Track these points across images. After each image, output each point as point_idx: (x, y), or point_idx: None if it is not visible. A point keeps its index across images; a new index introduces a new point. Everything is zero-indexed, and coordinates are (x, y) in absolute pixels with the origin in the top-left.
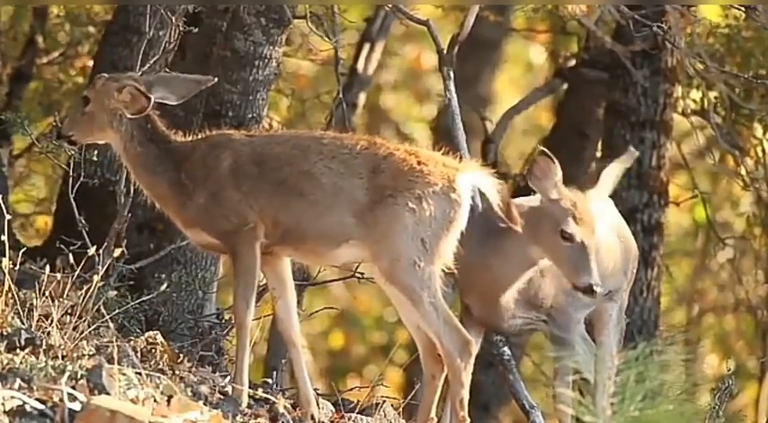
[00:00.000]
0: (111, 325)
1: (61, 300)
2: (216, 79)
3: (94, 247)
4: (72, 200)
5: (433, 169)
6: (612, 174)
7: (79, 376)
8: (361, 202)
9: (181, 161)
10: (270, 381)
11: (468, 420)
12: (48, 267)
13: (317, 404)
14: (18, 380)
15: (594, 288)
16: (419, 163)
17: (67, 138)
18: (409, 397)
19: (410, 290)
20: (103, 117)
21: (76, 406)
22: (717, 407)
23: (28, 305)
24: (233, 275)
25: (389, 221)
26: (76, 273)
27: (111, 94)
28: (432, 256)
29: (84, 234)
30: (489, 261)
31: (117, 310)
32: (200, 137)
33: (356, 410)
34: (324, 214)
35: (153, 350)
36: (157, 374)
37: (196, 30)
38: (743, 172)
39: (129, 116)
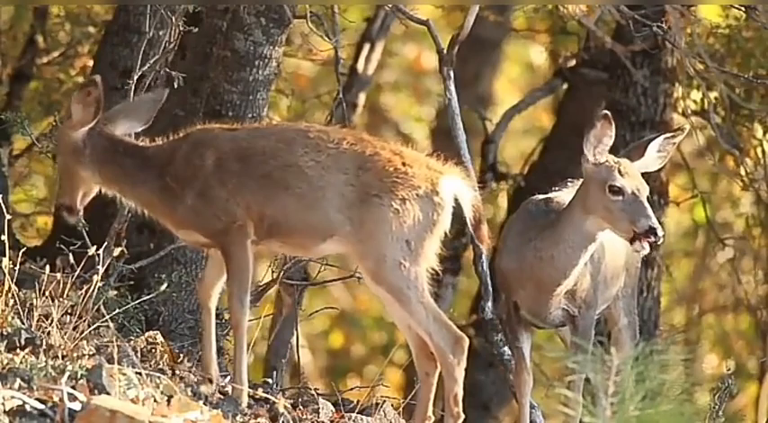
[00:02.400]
0: (111, 325)
1: (61, 300)
2: (167, 91)
3: (94, 247)
4: None
5: (417, 171)
6: (659, 147)
7: (79, 376)
8: (347, 198)
9: (163, 165)
10: (270, 381)
11: (463, 417)
12: (48, 267)
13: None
14: (18, 380)
15: (657, 231)
16: (404, 164)
17: (63, 206)
18: (409, 397)
19: (397, 290)
20: (69, 158)
21: (76, 406)
22: (717, 407)
23: (28, 305)
24: (226, 275)
25: (375, 222)
26: (76, 273)
27: (65, 130)
28: (416, 256)
29: (85, 234)
30: (550, 252)
31: (117, 310)
32: (178, 136)
33: (356, 410)
34: (310, 207)
35: (153, 350)
36: (157, 374)
37: (196, 30)
38: (743, 172)
39: (93, 123)
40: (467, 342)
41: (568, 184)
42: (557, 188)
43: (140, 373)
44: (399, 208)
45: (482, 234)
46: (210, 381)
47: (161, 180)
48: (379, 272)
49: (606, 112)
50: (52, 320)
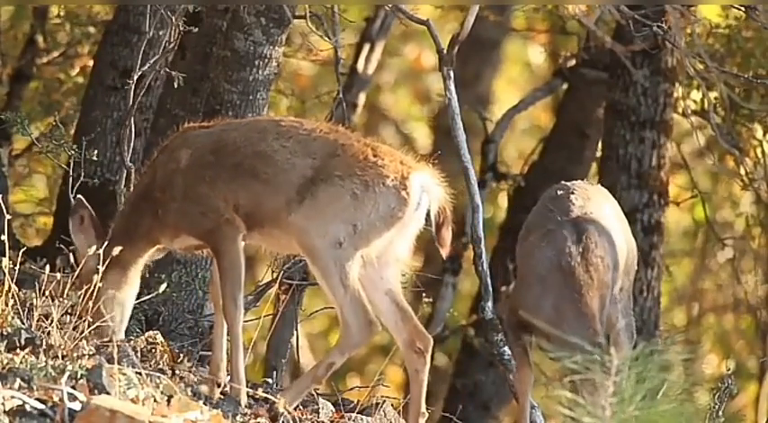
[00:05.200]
0: (111, 324)
1: (61, 300)
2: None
3: (94, 246)
4: (72, 200)
5: (388, 163)
6: None
7: (79, 376)
8: (307, 178)
9: (149, 184)
10: (270, 381)
11: (322, 383)
12: (48, 267)
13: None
14: (18, 380)
15: None
16: (375, 155)
17: None
18: (409, 396)
19: (324, 264)
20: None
21: (76, 406)
22: (717, 407)
23: (28, 305)
24: (218, 274)
25: (328, 201)
26: (76, 273)
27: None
28: (359, 240)
29: None
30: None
31: None
32: (155, 153)
33: (356, 410)
34: (275, 193)
35: (153, 350)
36: (157, 374)
37: (196, 30)
38: (742, 172)
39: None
40: (378, 328)
41: (572, 189)
42: (562, 192)
43: (140, 373)
44: (358, 192)
45: (443, 237)
46: (218, 384)
47: (154, 198)
48: (314, 246)
49: None
50: (52, 320)
